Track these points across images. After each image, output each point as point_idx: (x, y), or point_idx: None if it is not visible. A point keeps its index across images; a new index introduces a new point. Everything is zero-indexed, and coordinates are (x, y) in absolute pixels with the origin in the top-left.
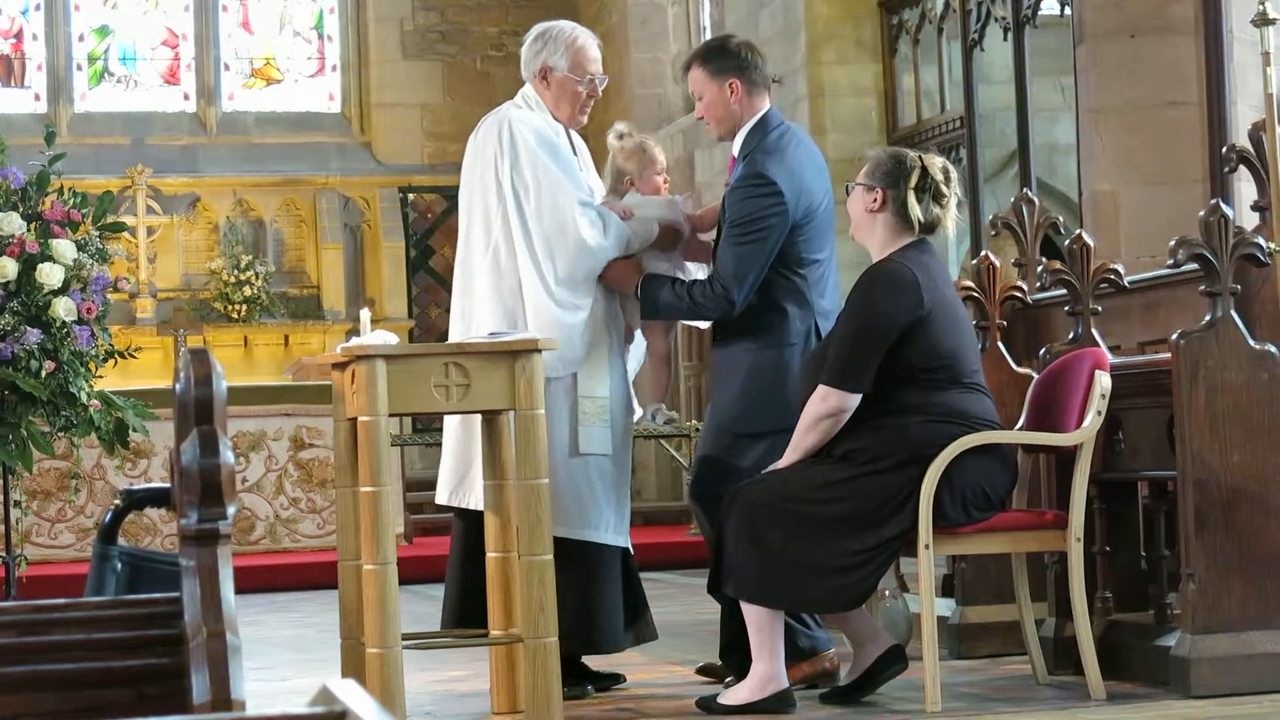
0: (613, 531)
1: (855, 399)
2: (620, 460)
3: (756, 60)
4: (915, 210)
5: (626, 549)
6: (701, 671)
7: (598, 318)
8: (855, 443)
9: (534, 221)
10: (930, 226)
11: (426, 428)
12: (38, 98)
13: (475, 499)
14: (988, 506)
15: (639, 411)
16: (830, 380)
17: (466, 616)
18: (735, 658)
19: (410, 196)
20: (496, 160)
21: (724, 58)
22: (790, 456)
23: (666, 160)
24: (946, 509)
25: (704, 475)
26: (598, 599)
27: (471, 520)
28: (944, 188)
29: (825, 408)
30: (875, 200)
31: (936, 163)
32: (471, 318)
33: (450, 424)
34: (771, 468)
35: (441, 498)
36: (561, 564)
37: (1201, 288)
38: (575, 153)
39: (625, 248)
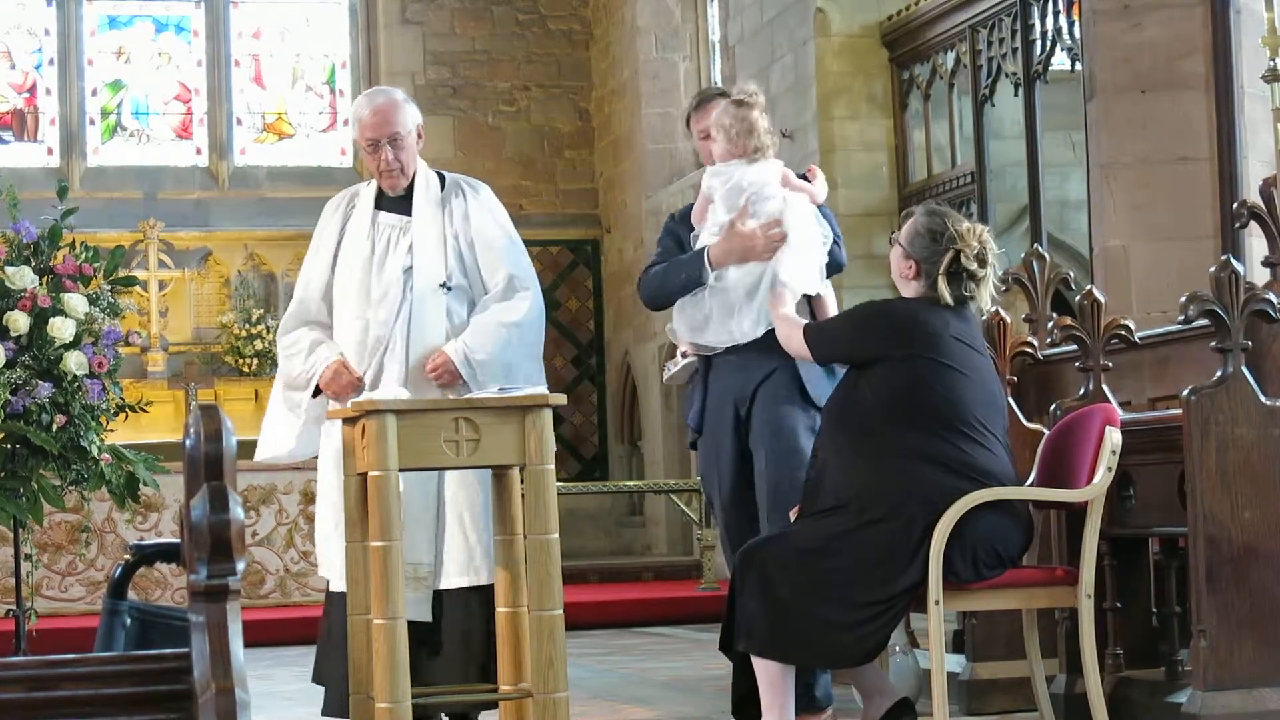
0: None
1: (806, 356)
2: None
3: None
4: (945, 293)
5: None
6: None
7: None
8: (867, 486)
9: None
10: (960, 303)
11: None
12: (50, 152)
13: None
14: (998, 564)
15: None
16: (809, 333)
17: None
18: (748, 714)
19: None
20: None
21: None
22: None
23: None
24: (956, 565)
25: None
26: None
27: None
28: (979, 270)
29: (791, 340)
30: (910, 269)
31: (973, 243)
32: None
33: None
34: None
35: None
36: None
37: (1212, 344)
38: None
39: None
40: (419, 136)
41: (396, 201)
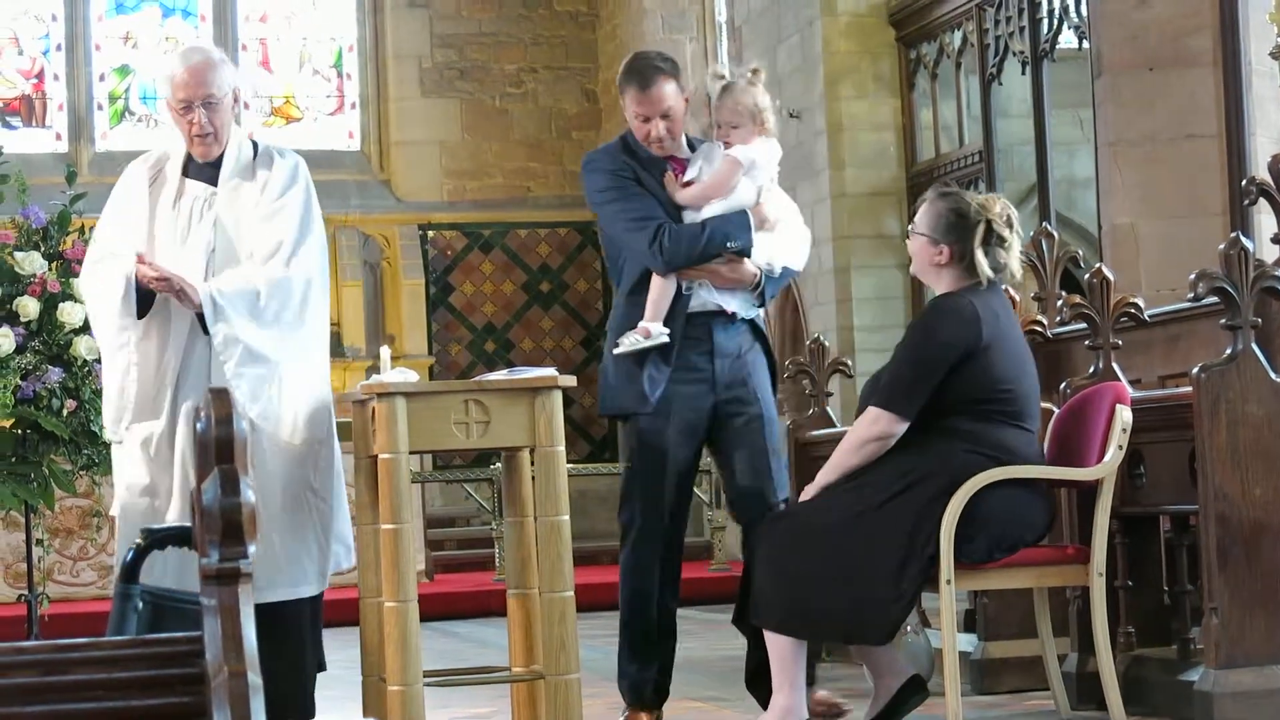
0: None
1: (903, 425)
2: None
3: None
4: (984, 267)
5: None
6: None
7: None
8: (893, 461)
9: None
10: (997, 273)
11: (447, 464)
12: (59, 137)
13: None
14: (1013, 545)
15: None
16: (881, 403)
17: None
18: (761, 688)
19: (430, 234)
20: None
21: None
22: (828, 476)
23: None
24: (976, 545)
25: None
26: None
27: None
28: (1007, 235)
29: (875, 430)
30: (941, 255)
31: (997, 210)
32: None
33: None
34: (808, 488)
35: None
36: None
37: (1222, 321)
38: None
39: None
40: (236, 100)
41: (205, 169)
